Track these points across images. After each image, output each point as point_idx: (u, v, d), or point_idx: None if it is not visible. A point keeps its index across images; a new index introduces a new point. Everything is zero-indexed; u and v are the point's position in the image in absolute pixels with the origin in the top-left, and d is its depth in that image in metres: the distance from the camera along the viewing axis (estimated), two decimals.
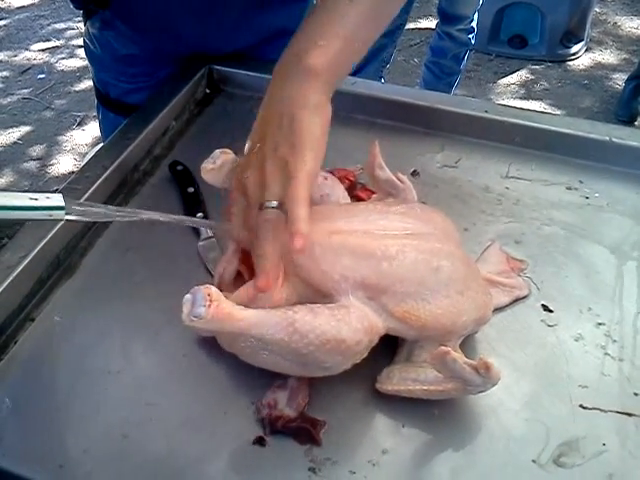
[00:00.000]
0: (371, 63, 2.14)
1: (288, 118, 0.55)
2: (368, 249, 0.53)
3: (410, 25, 2.62)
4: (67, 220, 0.52)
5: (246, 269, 0.58)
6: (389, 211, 0.58)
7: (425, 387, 0.53)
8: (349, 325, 0.51)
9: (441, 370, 0.52)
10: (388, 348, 0.57)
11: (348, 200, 0.65)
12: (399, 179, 0.64)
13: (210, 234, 0.70)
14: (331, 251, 0.53)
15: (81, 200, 0.69)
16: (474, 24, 2.30)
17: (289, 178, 0.52)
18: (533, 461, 0.52)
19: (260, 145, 0.56)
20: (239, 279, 0.58)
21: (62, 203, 0.51)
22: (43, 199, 0.50)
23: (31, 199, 0.49)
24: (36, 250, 0.64)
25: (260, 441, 0.53)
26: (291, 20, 0.96)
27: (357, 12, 0.60)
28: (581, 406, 0.55)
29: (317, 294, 0.54)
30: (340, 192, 0.65)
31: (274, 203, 0.52)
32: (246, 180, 0.54)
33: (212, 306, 0.47)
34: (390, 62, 2.33)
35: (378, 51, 2.16)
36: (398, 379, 0.55)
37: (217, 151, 0.62)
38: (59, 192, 0.51)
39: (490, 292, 0.60)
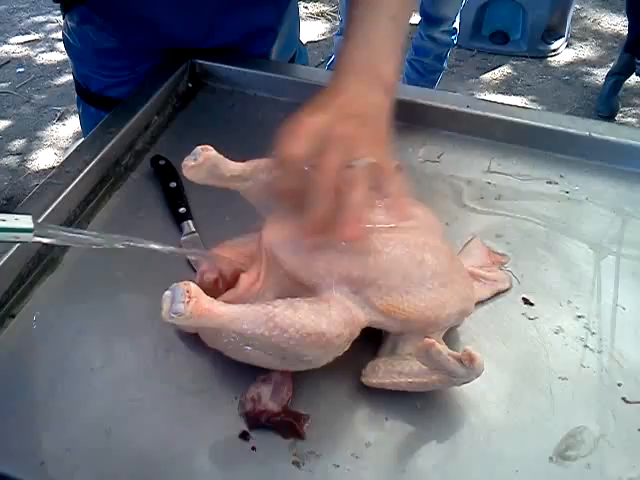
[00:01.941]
0: None
1: (362, 123, 0.56)
2: (353, 243, 0.54)
3: None
4: (35, 242, 0.49)
5: (222, 279, 0.58)
6: (373, 204, 0.58)
7: (410, 379, 0.54)
8: (329, 318, 0.51)
9: (426, 362, 0.52)
10: (371, 342, 0.58)
11: None
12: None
13: (192, 229, 0.70)
14: (316, 246, 0.54)
15: (57, 200, 0.69)
16: (456, 25, 2.31)
17: (378, 143, 0.55)
18: (515, 453, 0.53)
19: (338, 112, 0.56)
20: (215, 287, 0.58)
21: (31, 225, 0.48)
22: (11, 220, 0.48)
23: None
24: (16, 246, 0.64)
25: (244, 436, 0.53)
26: (272, 18, 0.96)
27: (398, 26, 0.65)
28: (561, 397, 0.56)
29: (301, 288, 0.54)
30: None
31: (366, 160, 0.53)
32: (327, 140, 0.53)
33: (191, 302, 0.47)
34: None
35: None
36: (383, 372, 0.55)
37: (198, 148, 0.61)
38: (28, 213, 0.49)
39: (473, 285, 0.61)
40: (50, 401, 0.56)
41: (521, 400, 0.56)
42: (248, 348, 0.52)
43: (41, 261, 0.67)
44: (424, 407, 0.55)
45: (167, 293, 0.49)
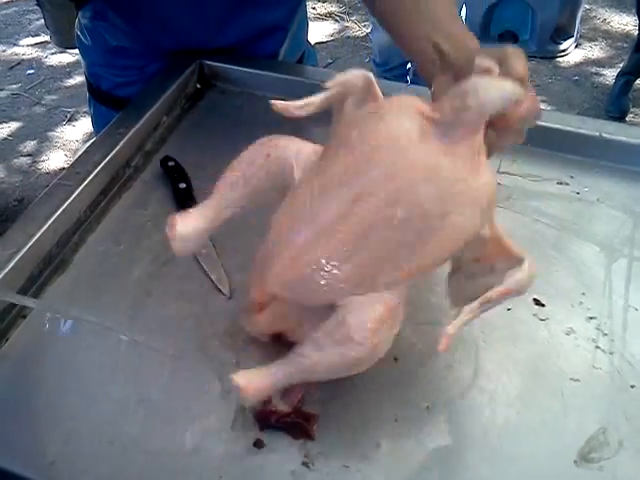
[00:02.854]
0: None
1: None
2: (336, 249, 0.49)
3: None
4: None
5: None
6: (326, 185, 0.50)
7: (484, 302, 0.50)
8: (354, 340, 0.48)
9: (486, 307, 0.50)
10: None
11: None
12: None
13: None
14: (308, 275, 0.50)
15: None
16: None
17: None
18: (526, 454, 0.52)
19: None
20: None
21: None
22: None
23: None
24: (27, 246, 0.64)
25: (258, 444, 0.53)
26: (282, 17, 0.96)
27: None
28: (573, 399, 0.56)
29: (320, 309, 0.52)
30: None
31: None
32: None
33: (242, 391, 0.50)
34: None
35: None
36: (467, 312, 0.50)
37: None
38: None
39: (490, 180, 0.52)
40: (61, 401, 0.56)
41: (532, 402, 0.56)
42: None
43: (52, 261, 0.67)
44: (434, 408, 0.55)
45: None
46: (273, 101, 0.53)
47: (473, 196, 0.49)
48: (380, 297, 0.50)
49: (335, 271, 0.49)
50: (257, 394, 0.51)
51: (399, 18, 0.68)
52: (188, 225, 0.54)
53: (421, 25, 0.64)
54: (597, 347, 0.60)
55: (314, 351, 0.50)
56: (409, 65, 2.52)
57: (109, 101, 0.99)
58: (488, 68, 0.51)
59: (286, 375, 0.50)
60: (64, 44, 1.14)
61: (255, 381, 0.51)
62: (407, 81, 2.45)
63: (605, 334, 0.61)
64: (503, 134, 0.53)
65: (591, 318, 0.62)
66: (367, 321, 0.49)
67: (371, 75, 0.54)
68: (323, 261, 0.49)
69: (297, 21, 0.99)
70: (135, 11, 0.89)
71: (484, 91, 0.48)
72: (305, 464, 0.51)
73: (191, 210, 0.55)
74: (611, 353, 0.59)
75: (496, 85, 0.49)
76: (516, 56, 0.53)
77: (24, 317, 0.62)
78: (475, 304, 0.50)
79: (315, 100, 0.54)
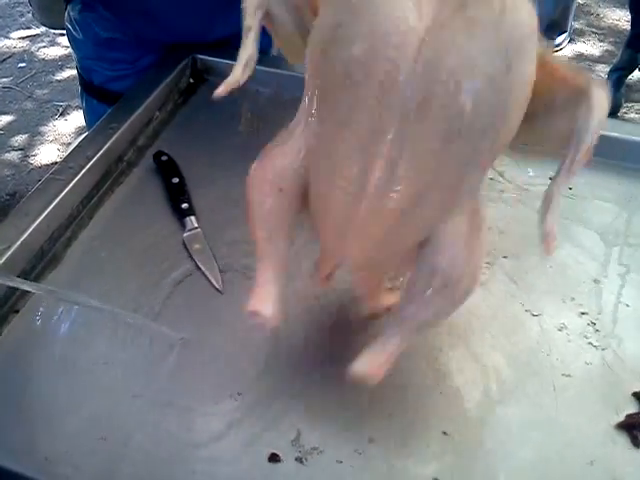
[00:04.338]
0: None
1: None
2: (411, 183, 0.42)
3: None
4: None
5: None
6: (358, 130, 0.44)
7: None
8: (453, 280, 0.46)
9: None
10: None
11: None
12: None
13: (195, 225, 0.70)
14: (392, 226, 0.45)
15: None
16: None
17: None
18: (518, 450, 0.53)
19: None
20: None
21: None
22: None
23: None
24: (19, 242, 0.64)
25: (274, 458, 0.52)
26: None
27: None
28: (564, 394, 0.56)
29: None
30: None
31: None
32: None
33: (370, 377, 0.49)
34: None
35: None
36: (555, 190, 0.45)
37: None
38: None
39: None
40: (53, 397, 0.56)
41: (524, 397, 0.56)
42: None
43: (44, 257, 0.67)
44: (428, 403, 0.55)
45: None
46: (216, 92, 0.49)
47: (521, 33, 0.41)
48: (460, 215, 0.45)
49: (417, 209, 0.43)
50: (382, 370, 0.49)
51: None
52: (267, 302, 0.50)
53: None
54: (589, 343, 0.60)
55: (420, 308, 0.47)
56: None
57: (101, 95, 0.99)
58: None
59: (401, 340, 0.49)
60: (48, 22, 1.12)
61: (374, 361, 0.49)
62: None
63: (597, 330, 0.61)
64: None
65: (583, 314, 0.63)
66: (457, 255, 0.45)
67: None
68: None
69: None
70: (124, 6, 0.89)
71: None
72: (299, 459, 0.52)
73: (259, 290, 0.50)
74: (603, 349, 0.60)
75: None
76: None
77: (16, 312, 0.62)
78: (560, 175, 0.42)
79: (247, 46, 0.51)
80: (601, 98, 0.41)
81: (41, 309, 0.62)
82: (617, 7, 3.20)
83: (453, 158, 0.41)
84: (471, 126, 0.40)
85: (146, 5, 0.88)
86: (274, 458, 0.51)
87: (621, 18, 3.12)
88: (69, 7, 0.95)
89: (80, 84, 1.03)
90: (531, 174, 0.78)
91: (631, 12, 2.54)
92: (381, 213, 0.43)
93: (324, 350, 0.59)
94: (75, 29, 0.96)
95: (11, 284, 0.59)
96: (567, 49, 2.96)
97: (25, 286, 0.60)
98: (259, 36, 0.49)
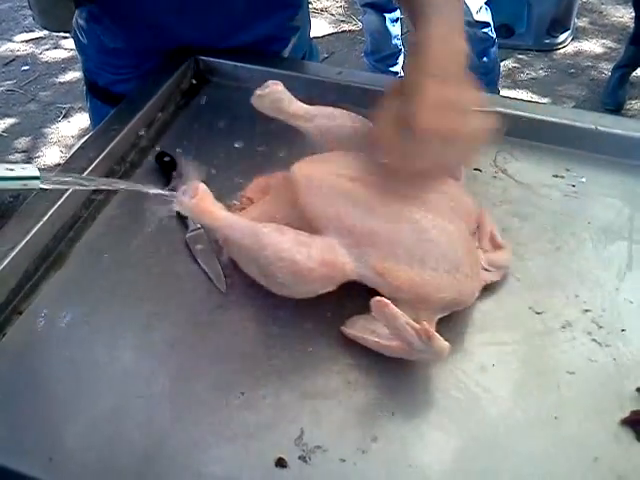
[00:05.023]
0: None
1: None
2: (371, 204, 0.57)
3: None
4: (42, 189, 0.56)
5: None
6: (416, 177, 0.59)
7: (376, 339, 0.56)
8: (307, 252, 0.54)
9: (384, 323, 0.53)
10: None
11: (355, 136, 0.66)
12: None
13: (197, 225, 0.70)
14: (337, 192, 0.57)
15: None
16: (480, 17, 2.27)
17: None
18: (521, 447, 0.52)
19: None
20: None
21: (37, 173, 0.54)
22: (19, 169, 0.53)
23: (7, 169, 0.53)
24: (23, 242, 0.64)
25: (281, 462, 0.52)
26: (277, 28, 0.95)
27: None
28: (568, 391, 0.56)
29: (305, 224, 0.57)
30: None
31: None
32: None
33: (195, 199, 0.55)
34: None
35: None
36: (359, 327, 0.58)
37: (269, 81, 0.67)
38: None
39: (480, 282, 0.61)
40: (57, 397, 0.56)
41: (528, 395, 0.56)
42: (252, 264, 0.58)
43: (48, 257, 0.67)
44: (430, 401, 0.55)
45: (183, 187, 0.56)
46: None
47: None
48: None
49: (347, 216, 0.57)
50: (203, 213, 0.56)
51: None
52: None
53: None
54: (593, 340, 0.60)
55: (276, 230, 0.55)
56: (400, 58, 2.52)
57: (105, 96, 0.99)
58: None
59: (238, 225, 0.56)
60: (48, 25, 1.12)
61: (214, 205, 0.56)
62: (397, 73, 2.45)
63: (601, 327, 0.61)
64: None
65: (587, 311, 0.63)
66: (328, 256, 0.56)
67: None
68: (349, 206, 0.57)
69: (300, 25, 0.99)
70: (131, 19, 0.89)
71: None
72: (302, 458, 0.52)
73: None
74: (607, 346, 0.60)
75: None
76: None
77: (20, 313, 0.62)
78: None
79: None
80: None
81: (44, 311, 0.63)
82: (620, 4, 3.19)
83: None
84: None
85: (154, 19, 0.88)
86: (280, 463, 0.51)
87: (624, 15, 3.11)
88: (77, 12, 0.95)
89: (85, 84, 1.04)
90: (534, 172, 0.78)
91: (635, 9, 2.54)
92: None
93: (327, 349, 0.59)
94: (81, 34, 0.96)
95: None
96: (570, 47, 2.96)
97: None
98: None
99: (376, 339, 0.56)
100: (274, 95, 0.67)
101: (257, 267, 0.57)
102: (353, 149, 0.63)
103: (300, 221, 0.58)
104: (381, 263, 0.55)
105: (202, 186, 0.56)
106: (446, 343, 0.52)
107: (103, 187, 0.63)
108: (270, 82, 0.67)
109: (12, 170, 0.53)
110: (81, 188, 0.63)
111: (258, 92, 0.67)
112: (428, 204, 0.58)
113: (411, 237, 0.56)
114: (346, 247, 0.56)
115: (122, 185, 0.62)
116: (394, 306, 0.52)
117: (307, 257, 0.54)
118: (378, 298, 0.52)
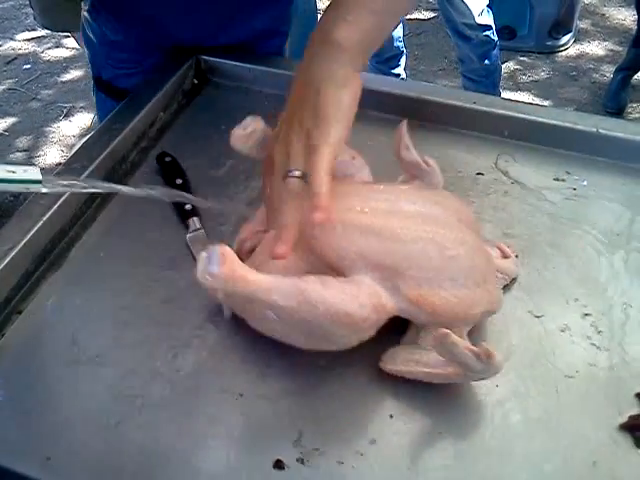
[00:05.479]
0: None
1: (314, 91, 0.55)
2: (390, 231, 0.54)
3: None
4: (43, 192, 0.54)
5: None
6: (414, 194, 0.58)
7: (427, 370, 0.53)
8: (358, 300, 0.51)
9: (442, 353, 0.51)
10: (391, 332, 0.57)
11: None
12: (426, 162, 0.61)
13: (198, 226, 0.70)
14: (352, 229, 0.54)
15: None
16: (483, 20, 2.28)
17: (312, 149, 0.52)
18: (521, 451, 0.52)
19: (288, 118, 0.56)
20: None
21: (39, 177, 0.52)
22: (20, 172, 0.52)
23: (9, 172, 0.51)
24: (23, 242, 0.64)
25: (279, 464, 0.52)
26: (277, 21, 0.95)
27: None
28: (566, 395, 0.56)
29: (328, 269, 0.54)
30: (366, 173, 0.65)
31: (297, 173, 0.52)
32: (273, 151, 0.55)
33: (226, 266, 0.49)
34: None
35: None
36: (402, 360, 0.55)
37: (248, 118, 0.62)
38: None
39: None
40: (56, 396, 0.56)
41: (527, 399, 0.56)
42: (274, 317, 0.52)
43: (47, 257, 0.67)
44: (428, 405, 0.55)
45: (203, 254, 0.50)
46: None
47: None
48: None
49: (369, 250, 0.54)
50: (236, 281, 0.51)
51: None
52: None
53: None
54: (592, 344, 0.60)
55: (319, 283, 0.51)
56: (402, 60, 2.52)
57: (109, 90, 1.00)
58: None
59: (278, 287, 0.51)
60: (49, 25, 1.12)
61: (244, 269, 0.51)
62: (398, 75, 2.46)
63: (600, 331, 0.61)
64: None
65: (586, 315, 0.63)
66: (375, 301, 0.53)
67: None
68: (368, 239, 0.54)
69: (302, 22, 0.99)
70: (128, 13, 0.89)
71: None
72: (300, 460, 0.52)
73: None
74: (607, 350, 0.59)
75: None
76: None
77: (19, 313, 0.62)
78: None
79: None
80: None
81: (44, 310, 0.63)
82: (622, 6, 3.19)
83: None
84: None
85: (150, 13, 0.88)
86: (278, 465, 0.51)
87: (627, 18, 3.11)
88: (82, 4, 0.96)
89: (92, 77, 1.04)
90: (536, 175, 0.78)
91: (637, 11, 2.54)
92: None
93: (326, 351, 0.59)
94: (87, 26, 0.97)
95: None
96: (572, 49, 2.96)
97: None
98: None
99: (426, 369, 0.54)
100: (257, 134, 0.61)
101: (304, 328, 0.52)
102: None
103: (319, 263, 0.55)
104: (415, 291, 0.53)
105: (228, 250, 0.51)
106: (501, 357, 0.50)
107: (106, 191, 0.61)
108: (249, 118, 0.61)
109: (14, 172, 0.52)
110: (83, 191, 0.62)
111: (239, 132, 0.61)
112: (437, 220, 0.56)
113: (438, 257, 0.53)
114: (379, 284, 0.53)
115: (125, 189, 0.61)
116: (453, 334, 0.50)
117: (359, 306, 0.51)
118: (443, 330, 0.50)
